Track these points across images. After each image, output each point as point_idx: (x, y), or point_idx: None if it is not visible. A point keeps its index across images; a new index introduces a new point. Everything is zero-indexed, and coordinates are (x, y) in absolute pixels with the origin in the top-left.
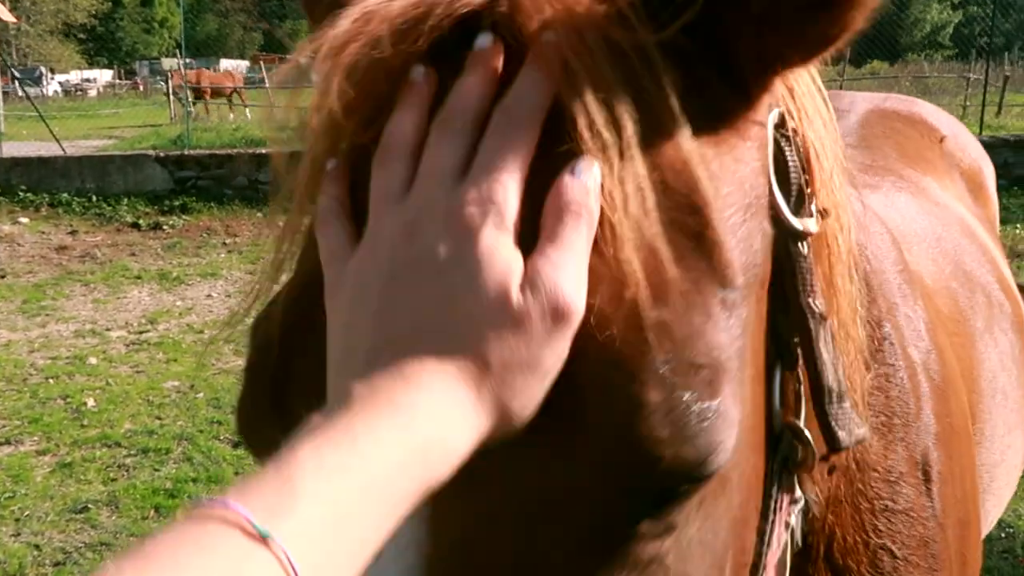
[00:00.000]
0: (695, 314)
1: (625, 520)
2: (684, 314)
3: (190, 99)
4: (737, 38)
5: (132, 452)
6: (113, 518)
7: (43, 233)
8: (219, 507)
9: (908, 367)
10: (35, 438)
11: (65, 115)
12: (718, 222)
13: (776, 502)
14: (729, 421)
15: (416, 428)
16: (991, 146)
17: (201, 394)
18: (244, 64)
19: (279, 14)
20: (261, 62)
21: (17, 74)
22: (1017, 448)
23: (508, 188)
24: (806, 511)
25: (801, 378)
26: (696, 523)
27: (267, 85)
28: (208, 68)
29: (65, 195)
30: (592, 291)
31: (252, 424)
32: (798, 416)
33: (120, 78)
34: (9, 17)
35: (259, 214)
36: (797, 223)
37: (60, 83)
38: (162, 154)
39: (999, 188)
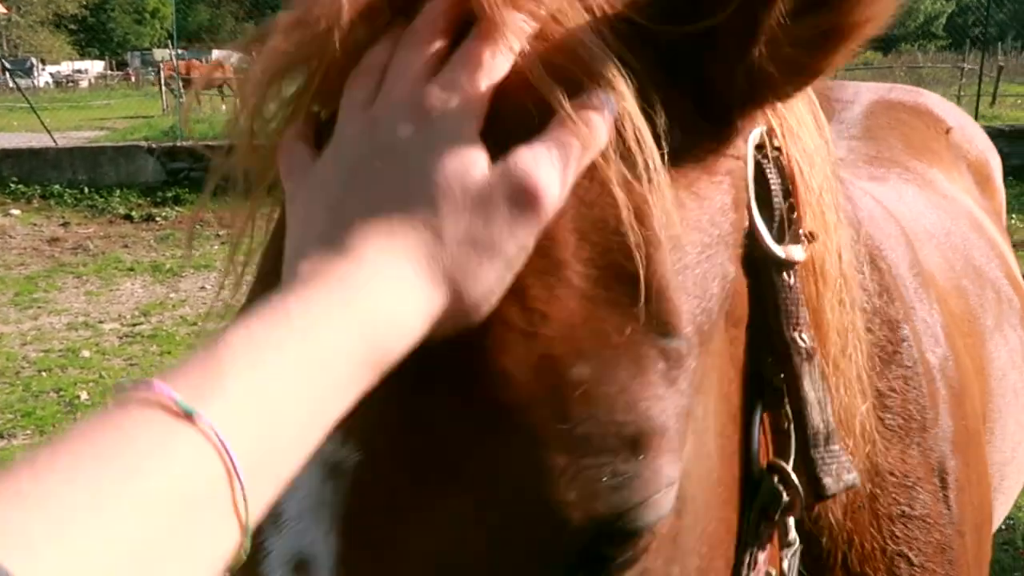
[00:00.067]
0: (623, 369)
1: None
2: (610, 370)
3: (182, 90)
4: (727, 71)
5: None
6: None
7: (35, 225)
8: (142, 390)
9: (926, 371)
10: (28, 432)
11: (56, 106)
12: (662, 266)
13: (751, 557)
14: (658, 481)
15: (358, 303)
16: None
17: None
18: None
19: (271, 4)
20: (254, 53)
21: (8, 65)
22: None
23: (478, 82)
24: (820, 519)
25: (790, 416)
26: None
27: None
28: (200, 59)
29: (57, 187)
30: (502, 344)
31: None
32: (786, 457)
33: (112, 69)
34: None
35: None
36: (780, 251)
37: (51, 74)
38: (154, 145)
39: None
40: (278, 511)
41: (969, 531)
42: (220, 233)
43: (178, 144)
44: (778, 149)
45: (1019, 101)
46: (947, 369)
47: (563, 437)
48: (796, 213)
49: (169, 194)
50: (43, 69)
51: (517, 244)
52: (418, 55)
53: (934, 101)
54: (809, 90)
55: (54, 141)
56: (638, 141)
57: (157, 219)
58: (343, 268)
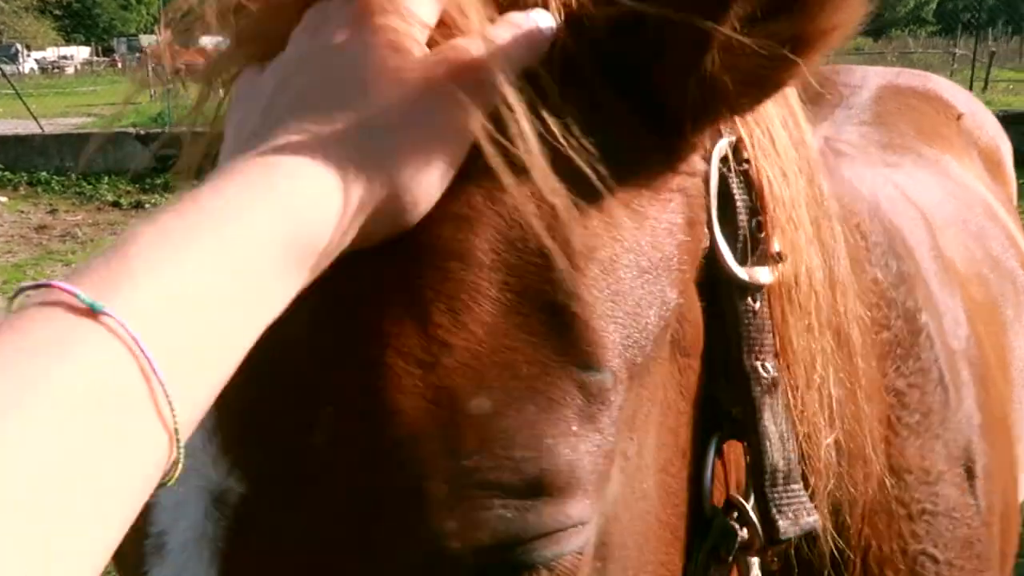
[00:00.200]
0: (530, 403)
1: None
2: (514, 403)
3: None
4: (677, 82)
5: None
6: None
7: (22, 212)
8: (42, 291)
9: (947, 357)
10: None
11: (42, 92)
12: (587, 292)
13: None
14: (560, 521)
15: (277, 190)
16: None
17: None
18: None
19: None
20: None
21: None
22: None
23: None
24: (840, 519)
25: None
26: None
27: None
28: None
29: (44, 174)
30: (394, 377)
31: None
32: (746, 493)
33: (98, 55)
34: None
35: None
36: (742, 273)
37: (36, 60)
38: (143, 132)
39: None
40: (162, 541)
41: (996, 520)
42: None
43: (167, 130)
44: (747, 162)
45: (1011, 86)
46: (970, 352)
47: (451, 469)
48: (764, 232)
49: (158, 181)
50: (28, 55)
51: (457, 132)
52: None
53: (943, 86)
54: (790, 94)
55: (40, 128)
56: (565, 156)
57: (146, 206)
58: (266, 159)
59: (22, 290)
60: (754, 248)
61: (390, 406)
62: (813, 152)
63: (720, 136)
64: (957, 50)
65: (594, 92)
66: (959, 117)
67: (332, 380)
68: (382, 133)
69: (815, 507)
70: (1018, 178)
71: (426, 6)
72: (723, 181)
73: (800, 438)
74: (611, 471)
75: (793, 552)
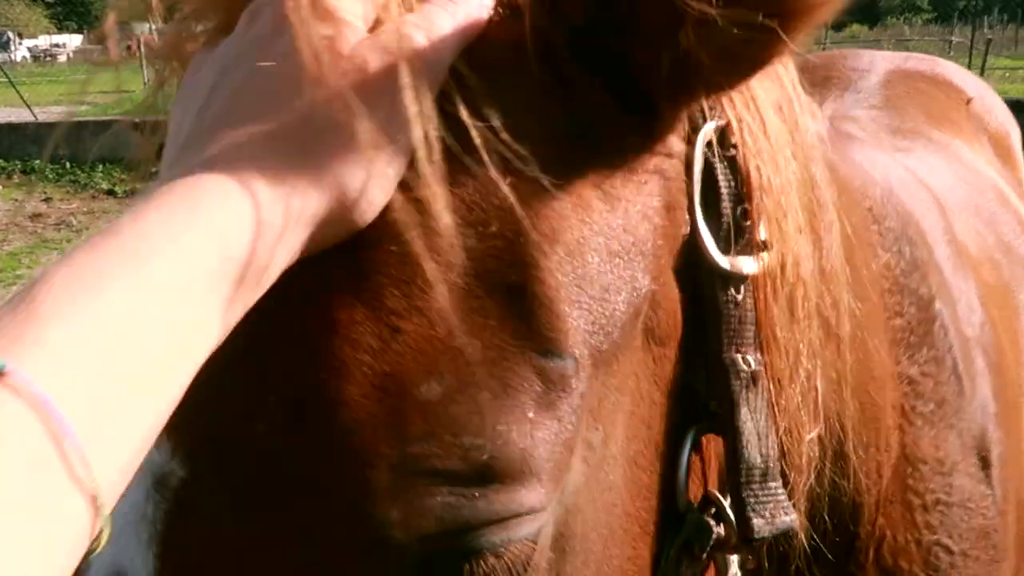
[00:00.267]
0: (484, 390)
1: None
2: (466, 389)
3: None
4: (651, 57)
5: None
6: None
7: (16, 201)
8: None
9: (962, 345)
10: None
11: (35, 80)
12: (550, 275)
13: None
14: (511, 508)
15: (203, 212)
16: None
17: None
18: None
19: None
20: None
21: None
22: None
23: None
24: (854, 511)
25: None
26: None
27: None
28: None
29: (38, 162)
30: (342, 364)
31: None
32: (724, 489)
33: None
34: None
35: None
36: (724, 262)
37: (28, 48)
38: (137, 120)
39: None
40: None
41: (1012, 509)
42: None
43: (162, 118)
44: (735, 147)
45: (1007, 74)
46: (985, 339)
47: (396, 457)
48: (750, 220)
49: (153, 169)
50: (20, 43)
51: (404, 121)
52: None
53: (952, 71)
54: (786, 75)
55: (34, 116)
56: (528, 133)
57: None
58: (193, 179)
59: None
60: (739, 236)
61: (335, 394)
62: (809, 138)
63: (706, 120)
64: (954, 38)
65: (563, 69)
66: (969, 102)
67: (277, 367)
68: (325, 132)
69: (793, 505)
70: None
71: None
72: (708, 166)
73: (781, 433)
74: (572, 461)
75: (789, 547)
